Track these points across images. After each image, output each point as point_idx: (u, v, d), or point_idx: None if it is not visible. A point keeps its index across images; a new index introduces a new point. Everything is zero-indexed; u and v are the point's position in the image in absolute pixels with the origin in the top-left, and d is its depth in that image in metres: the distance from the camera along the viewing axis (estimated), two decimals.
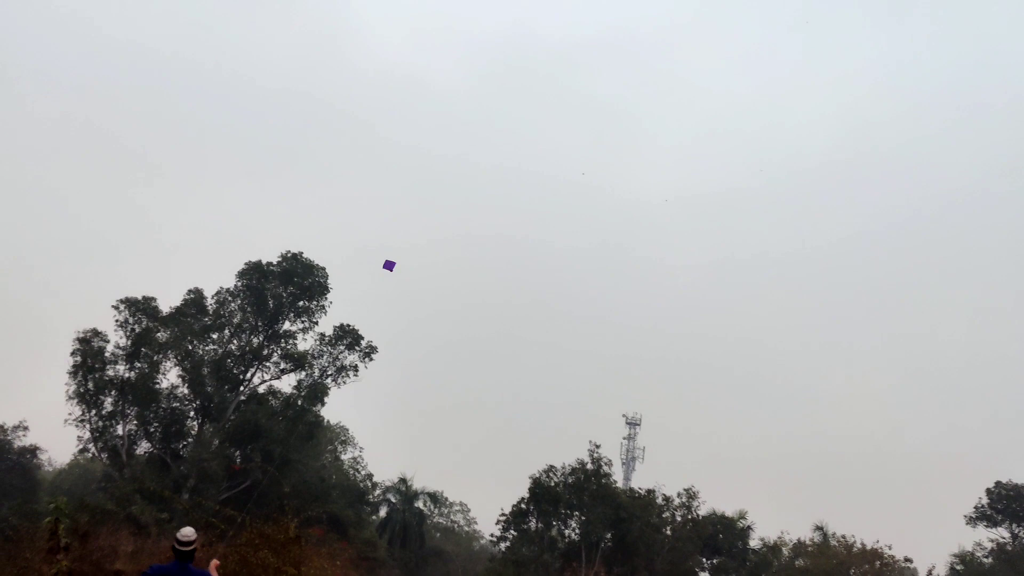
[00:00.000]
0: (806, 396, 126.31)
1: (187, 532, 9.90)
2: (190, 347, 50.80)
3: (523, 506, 53.40)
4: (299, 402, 51.62)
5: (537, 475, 53.80)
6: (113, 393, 48.59)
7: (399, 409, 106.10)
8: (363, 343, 53.58)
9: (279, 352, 52.64)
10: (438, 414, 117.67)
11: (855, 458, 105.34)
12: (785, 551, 61.43)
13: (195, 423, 50.81)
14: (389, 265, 30.91)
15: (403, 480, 65.75)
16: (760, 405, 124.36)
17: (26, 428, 57.19)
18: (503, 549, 53.77)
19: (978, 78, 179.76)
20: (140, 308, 50.04)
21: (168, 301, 51.86)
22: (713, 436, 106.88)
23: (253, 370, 52.30)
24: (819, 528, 61.30)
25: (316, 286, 53.72)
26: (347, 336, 53.50)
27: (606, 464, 54.66)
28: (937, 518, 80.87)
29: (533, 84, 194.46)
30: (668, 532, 54.98)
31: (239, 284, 53.37)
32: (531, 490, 53.30)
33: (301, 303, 53.55)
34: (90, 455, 52.10)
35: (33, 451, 57.63)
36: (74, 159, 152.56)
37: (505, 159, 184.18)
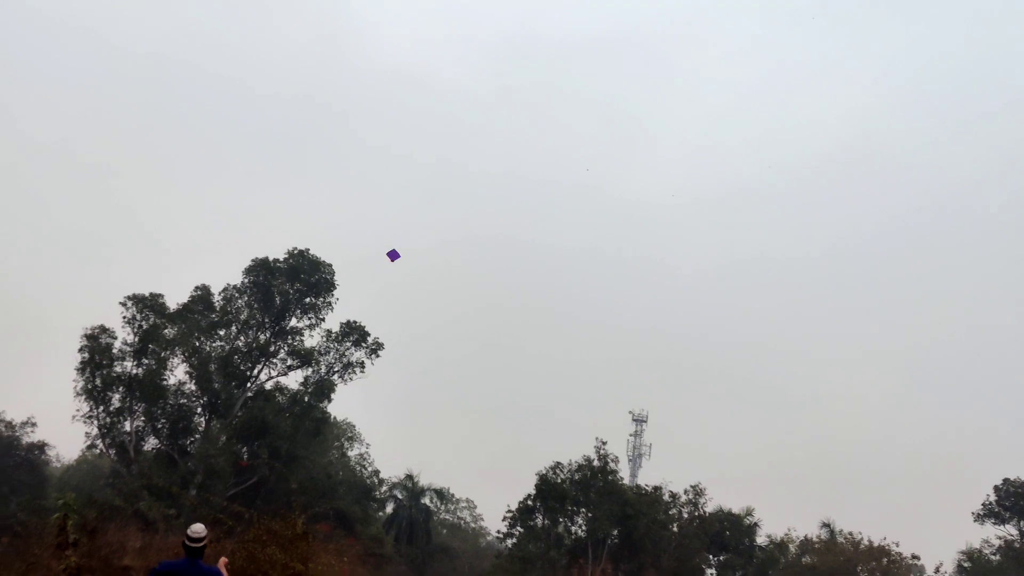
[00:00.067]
0: (812, 394, 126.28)
1: (197, 529, 9.91)
2: (197, 344, 50.91)
3: (530, 503, 53.41)
4: (306, 398, 51.73)
5: (544, 472, 53.81)
6: (121, 389, 48.72)
7: (406, 406, 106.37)
8: (370, 340, 53.65)
9: (286, 349, 52.74)
10: (445, 410, 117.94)
11: (862, 456, 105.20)
12: (792, 548, 61.35)
13: (202, 419, 50.94)
14: (393, 255, 30.94)
15: (410, 476, 65.87)
16: (766, 403, 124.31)
17: (34, 424, 57.45)
18: (509, 546, 53.81)
19: (982, 79, 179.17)
20: (147, 305, 50.14)
21: (175, 298, 52.07)
22: (720, 433, 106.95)
23: (260, 367, 52.41)
24: (826, 525, 61.22)
25: (323, 282, 53.78)
26: (353, 333, 53.55)
27: (613, 461, 54.68)
28: (944, 516, 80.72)
29: (537, 84, 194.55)
30: (675, 529, 54.99)
31: (246, 281, 53.45)
32: (538, 487, 53.29)
33: (308, 300, 53.61)
34: (98, 451, 52.35)
35: (41, 447, 57.81)
36: (75, 159, 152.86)
37: (508, 159, 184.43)
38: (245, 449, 50.07)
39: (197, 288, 53.01)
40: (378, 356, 53.72)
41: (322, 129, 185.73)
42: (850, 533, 58.76)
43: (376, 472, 67.19)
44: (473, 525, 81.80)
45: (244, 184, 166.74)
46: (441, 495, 70.13)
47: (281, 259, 53.81)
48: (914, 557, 57.42)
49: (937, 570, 56.26)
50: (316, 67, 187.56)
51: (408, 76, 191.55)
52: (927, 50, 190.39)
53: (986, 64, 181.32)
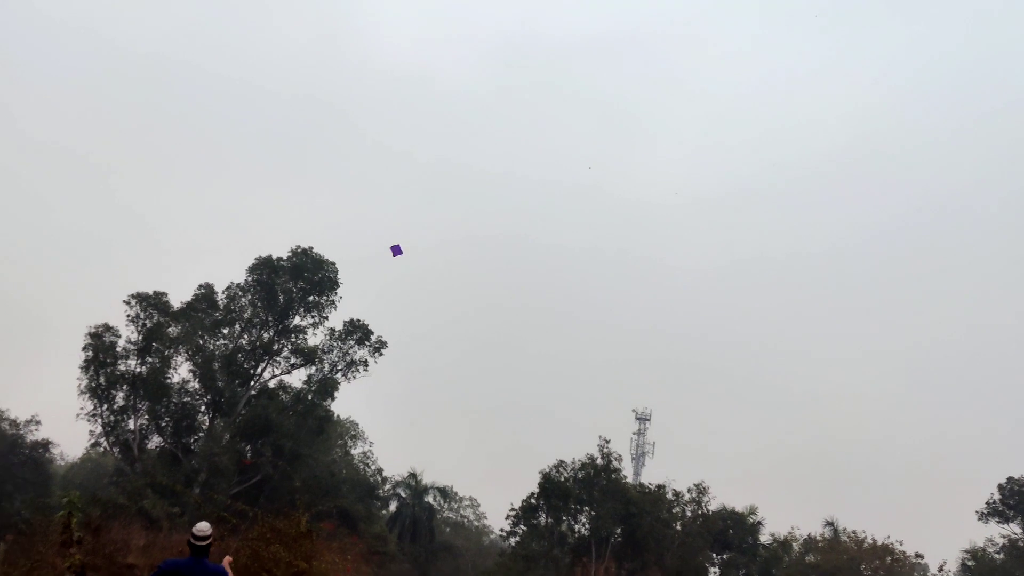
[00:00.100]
0: (812, 394, 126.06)
1: (203, 527, 9.92)
2: (201, 342, 50.97)
3: (533, 501, 53.42)
4: (309, 397, 51.80)
5: (547, 470, 53.81)
6: (125, 388, 48.84)
7: (407, 405, 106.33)
8: (373, 338, 53.69)
9: (289, 347, 52.79)
10: (446, 411, 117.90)
11: (863, 455, 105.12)
12: (795, 547, 61.31)
13: (206, 418, 51.03)
14: (396, 250, 31.10)
15: (413, 475, 65.98)
16: (766, 403, 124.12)
17: (38, 422, 57.53)
18: (513, 544, 53.84)
19: (982, 79, 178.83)
20: (151, 303, 50.22)
21: (178, 297, 52.14)
22: (720, 433, 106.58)
23: (263, 365, 52.49)
24: (829, 524, 61.16)
25: (326, 281, 53.82)
26: (357, 331, 53.60)
27: (616, 459, 54.70)
28: (948, 514, 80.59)
29: (536, 84, 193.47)
30: (678, 527, 54.95)
31: (249, 279, 53.50)
32: (541, 485, 53.29)
33: (311, 298, 53.66)
34: (102, 449, 52.48)
35: (45, 445, 57.89)
36: (75, 159, 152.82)
37: (509, 159, 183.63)
38: (249, 447, 50.15)
39: (201, 286, 53.08)
40: (381, 354, 53.81)
41: (322, 129, 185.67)
42: (853, 532, 58.78)
43: (379, 470, 67.27)
44: (476, 523, 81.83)
45: (244, 184, 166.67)
46: (444, 493, 70.27)
47: (284, 257, 53.88)
48: (918, 556, 57.46)
49: (941, 569, 56.27)
50: (316, 67, 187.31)
51: (408, 76, 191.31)
52: (927, 50, 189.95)
53: (986, 64, 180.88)
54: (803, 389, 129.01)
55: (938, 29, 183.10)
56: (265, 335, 52.78)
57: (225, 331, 52.50)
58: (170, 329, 50.11)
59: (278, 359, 52.62)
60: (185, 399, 50.36)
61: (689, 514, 55.67)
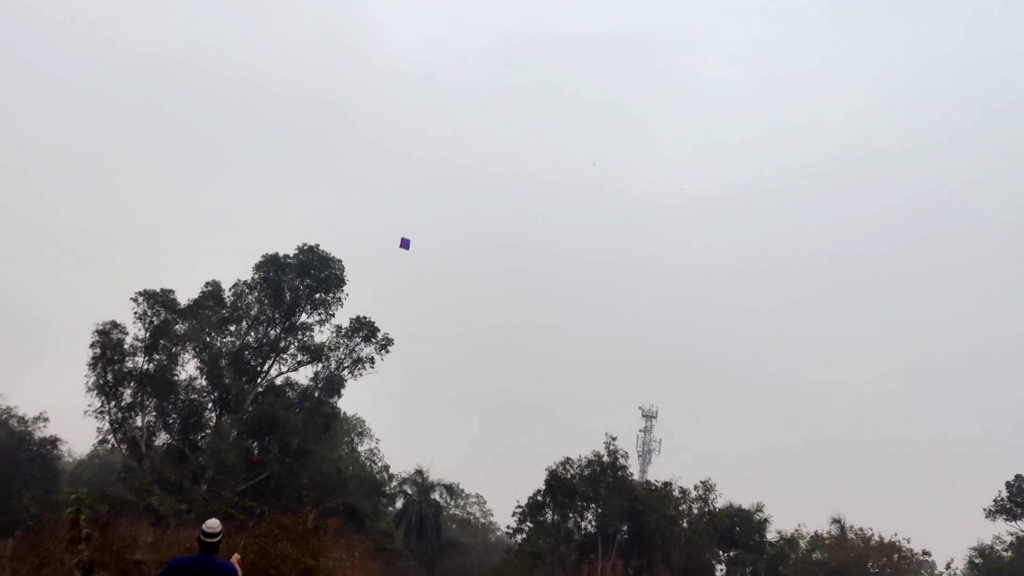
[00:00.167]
0: (812, 394, 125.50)
1: (212, 524, 9.93)
2: (208, 339, 51.06)
3: (539, 498, 53.48)
4: (316, 394, 51.86)
5: (553, 467, 53.86)
6: (132, 385, 48.92)
7: (415, 401, 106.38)
8: (379, 335, 53.71)
9: (296, 344, 52.85)
10: (447, 410, 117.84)
11: (866, 455, 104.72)
12: (802, 544, 61.23)
13: (213, 415, 51.12)
14: (405, 243, 31.36)
15: (419, 472, 65.98)
16: (766, 403, 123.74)
17: (46, 419, 57.64)
18: (519, 541, 53.88)
19: (982, 79, 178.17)
20: (158, 300, 50.28)
21: (185, 294, 52.21)
22: (720, 433, 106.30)
23: (270, 362, 52.57)
24: (836, 521, 61.15)
25: (332, 278, 53.84)
26: (363, 328, 53.64)
27: (622, 457, 54.72)
28: (948, 514, 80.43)
29: (537, 83, 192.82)
30: (685, 524, 54.94)
31: (256, 276, 53.55)
32: (547, 482, 53.35)
33: (318, 295, 53.69)
34: (109, 446, 52.55)
35: (53, 442, 58.00)
36: (78, 160, 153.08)
37: (509, 159, 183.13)
38: (256, 444, 50.24)
39: (208, 284, 53.15)
40: (387, 352, 53.83)
41: (323, 128, 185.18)
42: (860, 529, 58.70)
43: (386, 467, 67.29)
44: (483, 520, 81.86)
45: (244, 183, 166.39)
46: (451, 490, 70.22)
47: (291, 255, 53.94)
48: (925, 553, 57.34)
49: (948, 566, 56.16)
50: (317, 66, 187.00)
51: (408, 76, 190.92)
52: (927, 50, 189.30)
53: (986, 64, 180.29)
54: (803, 389, 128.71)
55: (938, 29, 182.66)
56: (272, 332, 52.85)
57: (232, 328, 52.59)
58: (177, 326, 50.18)
59: (285, 356, 52.71)
60: (192, 396, 50.45)
61: (696, 511, 55.65)
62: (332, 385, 52.28)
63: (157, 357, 49.44)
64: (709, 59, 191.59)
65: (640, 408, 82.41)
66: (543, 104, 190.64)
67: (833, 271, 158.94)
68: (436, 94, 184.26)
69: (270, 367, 52.57)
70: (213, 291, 52.87)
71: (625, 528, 53.23)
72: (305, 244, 54.20)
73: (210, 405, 51.19)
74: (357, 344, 53.53)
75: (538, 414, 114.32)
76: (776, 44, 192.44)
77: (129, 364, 49.06)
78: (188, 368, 50.68)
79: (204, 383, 50.73)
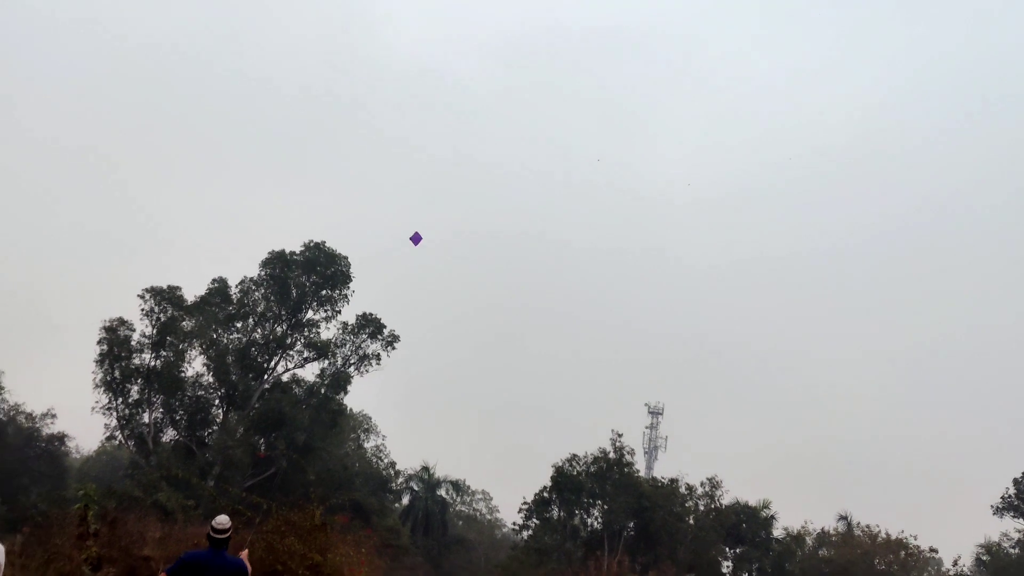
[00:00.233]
0: (812, 394, 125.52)
1: (222, 520, 9.97)
2: (215, 336, 51.20)
3: (545, 495, 53.46)
4: (322, 390, 51.97)
5: (560, 464, 53.85)
6: (139, 381, 49.09)
7: (422, 398, 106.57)
8: (385, 332, 53.76)
9: (302, 341, 52.94)
10: (461, 402, 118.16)
11: (869, 454, 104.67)
12: (809, 541, 61.07)
13: (220, 411, 51.25)
14: (416, 238, 31.49)
15: (426, 468, 66.12)
16: (768, 402, 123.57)
17: (54, 416, 57.90)
18: (525, 538, 53.88)
19: (982, 79, 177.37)
20: (165, 297, 50.41)
21: (192, 291, 52.34)
22: (720, 433, 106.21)
23: (277, 359, 52.67)
24: (843, 518, 60.93)
25: (339, 275, 53.92)
26: (369, 325, 53.69)
27: (629, 453, 54.66)
28: (957, 511, 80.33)
29: (537, 83, 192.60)
30: (691, 521, 54.84)
31: (263, 273, 53.65)
32: (554, 479, 53.32)
33: (324, 292, 53.77)
34: (117, 443, 52.72)
35: (61, 438, 58.29)
36: (79, 158, 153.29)
37: (511, 158, 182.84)
38: (262, 440, 50.35)
39: (214, 281, 53.28)
40: (394, 348, 53.88)
41: (325, 126, 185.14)
42: (867, 526, 58.56)
43: (392, 464, 67.36)
44: (489, 517, 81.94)
45: (246, 181, 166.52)
46: (457, 487, 70.33)
47: (297, 251, 54.03)
48: (932, 550, 57.20)
49: (955, 563, 56.01)
50: (319, 64, 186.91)
51: (411, 74, 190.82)
52: (927, 50, 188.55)
53: (986, 64, 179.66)
54: (803, 389, 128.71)
55: (938, 29, 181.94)
56: (278, 329, 52.95)
57: (239, 325, 52.70)
58: (184, 323, 50.31)
59: (291, 353, 52.82)
60: (199, 393, 50.60)
61: (702, 508, 55.58)
62: (338, 382, 52.38)
63: (164, 354, 49.59)
64: (709, 58, 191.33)
65: (646, 404, 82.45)
66: (543, 103, 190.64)
67: (833, 271, 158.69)
68: (438, 93, 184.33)
69: (277, 364, 52.71)
70: (220, 288, 53.00)
71: (631, 525, 53.21)
72: (311, 241, 54.35)
73: (217, 402, 51.34)
74: (363, 341, 53.62)
75: (538, 413, 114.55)
76: (776, 44, 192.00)
77: (136, 361, 49.23)
78: (195, 365, 50.91)
79: (211, 380, 50.89)
